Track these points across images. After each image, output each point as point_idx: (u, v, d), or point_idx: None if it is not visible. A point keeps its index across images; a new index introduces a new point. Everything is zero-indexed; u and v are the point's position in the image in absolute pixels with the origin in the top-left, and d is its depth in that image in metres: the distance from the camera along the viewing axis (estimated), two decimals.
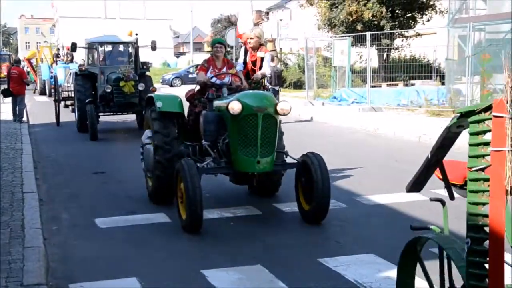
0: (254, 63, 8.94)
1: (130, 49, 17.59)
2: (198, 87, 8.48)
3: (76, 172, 11.10)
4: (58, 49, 38.13)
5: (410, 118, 17.85)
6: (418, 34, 28.05)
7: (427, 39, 27.64)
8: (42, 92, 33.81)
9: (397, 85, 22.96)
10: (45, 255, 5.85)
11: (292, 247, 6.42)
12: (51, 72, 31.58)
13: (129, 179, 10.17)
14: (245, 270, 5.72)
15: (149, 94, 8.61)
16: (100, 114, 16.56)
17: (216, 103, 7.64)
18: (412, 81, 22.82)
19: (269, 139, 7.06)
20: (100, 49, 17.33)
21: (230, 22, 69.49)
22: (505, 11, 18.67)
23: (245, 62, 9.00)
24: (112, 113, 17.19)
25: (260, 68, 8.84)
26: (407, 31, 26.78)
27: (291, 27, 61.82)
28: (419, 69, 22.63)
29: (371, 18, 26.33)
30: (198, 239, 6.68)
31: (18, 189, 8.67)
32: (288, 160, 7.86)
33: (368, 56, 22.23)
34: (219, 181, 8.80)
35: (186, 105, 8.32)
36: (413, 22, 27.95)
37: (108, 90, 16.01)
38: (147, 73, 17.99)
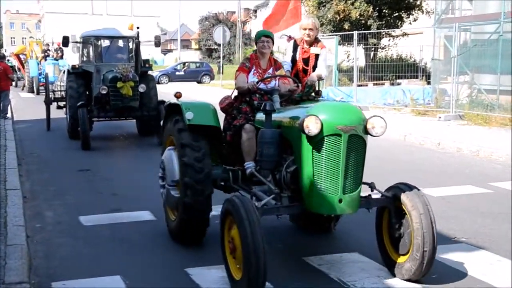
0: (306, 61, 7.08)
1: (130, 45, 15.39)
2: (235, 93, 6.81)
3: (61, 169, 11.04)
4: (48, 45, 37.26)
5: (396, 117, 17.90)
6: (404, 34, 28.18)
7: (413, 39, 27.75)
8: (31, 90, 32.16)
9: (384, 84, 23.06)
10: (28, 253, 5.81)
11: (276, 246, 6.42)
12: (40, 69, 30.56)
13: (114, 176, 10.14)
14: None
15: (172, 101, 6.62)
16: (94, 119, 14.38)
17: (275, 116, 5.84)
18: (398, 81, 22.94)
19: (356, 168, 5.16)
20: (96, 44, 15.09)
21: (218, 20, 69.54)
22: (491, 12, 18.79)
23: (293, 60, 7.19)
24: (107, 119, 14.87)
25: (314, 68, 7.03)
26: (394, 31, 26.92)
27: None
28: (406, 69, 22.75)
29: (358, 17, 26.46)
30: None
31: (1, 186, 8.60)
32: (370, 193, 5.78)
33: (355, 55, 22.28)
34: None
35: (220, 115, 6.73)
36: (400, 22, 28.11)
37: (104, 92, 13.79)
38: (150, 72, 15.87)
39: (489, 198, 8.64)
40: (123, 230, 7.04)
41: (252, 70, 6.67)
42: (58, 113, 18.12)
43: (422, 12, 27.74)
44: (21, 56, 37.83)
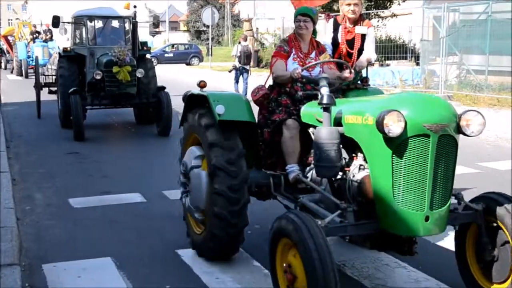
0: (350, 43, 6.04)
1: (126, 26, 14.05)
2: (269, 82, 5.78)
3: (50, 152, 10.99)
4: (35, 26, 36.53)
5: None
6: (393, 15, 28.05)
7: (402, 20, 27.65)
8: (19, 73, 30.41)
9: (373, 65, 22.86)
10: (18, 235, 5.80)
11: (266, 226, 6.42)
12: (28, 51, 29.53)
13: (104, 159, 10.11)
14: None
15: (195, 91, 5.49)
16: (87, 107, 13.15)
17: (334, 110, 4.60)
18: (387, 62, 22.89)
19: (446, 176, 4.12)
20: (89, 24, 13.76)
21: (206, 1, 69.05)
22: None
23: (334, 43, 6.09)
24: (102, 106, 13.67)
25: (360, 51, 6.03)
26: (383, 12, 26.84)
27: (268, 6, 61.61)
28: (395, 50, 22.64)
29: None
30: (173, 219, 6.63)
31: None
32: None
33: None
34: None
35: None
36: (388, 3, 28.00)
37: (98, 77, 12.57)
38: (148, 55, 14.59)
39: (478, 177, 8.69)
40: (113, 212, 7.03)
41: (292, 54, 5.60)
42: (50, 96, 17.23)
43: None
44: (9, 38, 37.09)
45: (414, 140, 3.96)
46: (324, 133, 4.45)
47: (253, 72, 29.38)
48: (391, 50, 22.57)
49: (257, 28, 41.62)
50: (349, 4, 5.98)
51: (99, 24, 14.17)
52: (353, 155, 4.48)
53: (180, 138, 5.91)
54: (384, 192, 4.08)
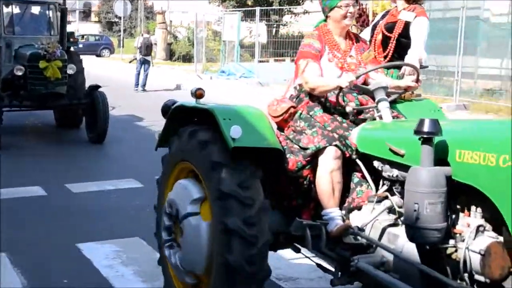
0: (390, 27, 4.77)
1: (51, 13, 11.87)
2: (290, 91, 4.28)
3: None
4: None
5: None
6: (306, 11, 28.59)
7: (314, 16, 28.14)
8: None
9: (284, 60, 23.31)
10: None
11: None
12: None
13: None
14: (122, 242, 5.63)
15: (187, 103, 3.94)
16: (4, 109, 10.44)
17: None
18: None
19: None
20: (5, 10, 11.42)
21: None
22: None
23: (374, 28, 4.93)
24: (24, 108, 11.19)
25: (400, 42, 4.71)
26: (295, 8, 27.36)
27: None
28: None
29: None
30: (75, 213, 6.50)
31: None
32: None
33: (257, 31, 22.43)
34: (98, 150, 8.54)
35: None
36: (301, 0, 28.52)
37: (20, 73, 10.42)
38: (72, 48, 12.35)
39: None
40: (11, 206, 6.76)
41: (326, 54, 4.01)
42: None
43: None
44: None
45: None
46: (427, 177, 2.91)
47: (165, 65, 29.28)
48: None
49: (170, 21, 41.24)
50: None
51: (17, 9, 12.00)
52: (462, 209, 3.00)
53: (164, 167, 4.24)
54: None
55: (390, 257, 3.30)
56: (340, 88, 3.77)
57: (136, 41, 21.30)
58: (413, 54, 4.58)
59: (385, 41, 4.75)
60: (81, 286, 4.74)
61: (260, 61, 22.34)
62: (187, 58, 32.59)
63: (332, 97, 3.93)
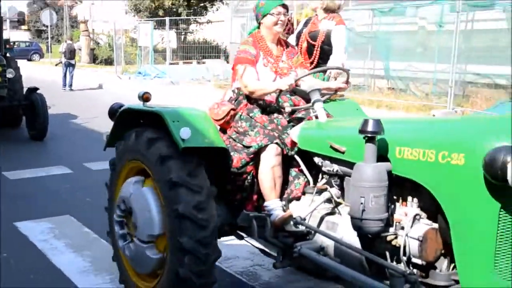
0: (313, 36, 4.58)
1: None
2: (228, 94, 3.96)
3: None
4: None
5: (201, 90, 18.10)
6: (209, 21, 28.56)
7: (216, 25, 28.24)
8: None
9: (191, 63, 23.28)
10: None
11: (97, 199, 6.35)
12: None
13: None
14: (55, 220, 5.56)
15: (134, 106, 3.64)
16: None
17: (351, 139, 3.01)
18: (203, 60, 23.31)
19: None
20: None
21: (46, 4, 64.72)
22: None
23: (298, 37, 4.68)
24: None
25: (323, 49, 4.54)
26: (200, 18, 27.26)
27: (103, 10, 59.31)
28: (210, 50, 23.37)
29: (171, 5, 26.36)
30: (12, 196, 6.33)
31: None
32: None
33: (168, 38, 22.24)
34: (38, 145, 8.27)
35: None
36: (205, 11, 28.47)
37: None
38: (8, 54, 11.11)
39: None
40: None
41: (261, 59, 3.74)
42: None
43: (223, 3, 28.33)
44: None
45: None
46: (371, 173, 2.73)
47: (89, 68, 28.43)
48: (207, 50, 23.16)
49: (93, 29, 39.98)
50: None
51: None
52: (399, 199, 2.85)
53: (114, 164, 3.84)
54: (480, 260, 2.43)
55: (329, 242, 3.16)
56: (280, 91, 3.56)
57: (61, 47, 20.87)
58: (335, 59, 4.48)
59: (309, 49, 4.58)
60: (19, 259, 4.65)
61: (171, 63, 22.22)
62: (108, 62, 31.68)
63: (268, 99, 3.68)
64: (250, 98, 3.70)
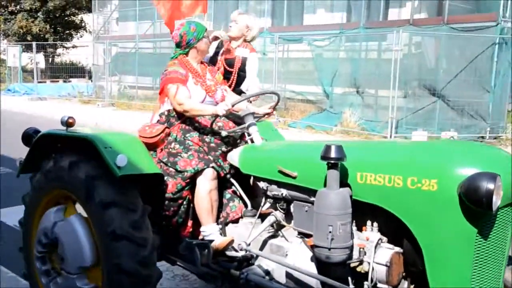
0: (230, 63, 3.65)
1: None
2: (156, 117, 2.83)
3: None
4: None
5: (67, 105, 15.40)
6: (74, 46, 25.25)
7: (81, 50, 25.02)
8: None
9: (59, 81, 20.10)
10: None
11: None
12: None
13: None
14: None
15: (56, 131, 2.53)
16: None
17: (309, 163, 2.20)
18: (70, 79, 20.36)
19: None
20: None
21: None
22: (130, 33, 17.46)
23: (214, 61, 3.66)
24: None
25: (239, 75, 3.64)
26: (66, 43, 23.99)
27: None
28: (75, 71, 20.62)
29: (38, 32, 22.64)
30: None
31: None
32: None
33: (35, 60, 18.89)
34: None
35: None
36: (70, 37, 25.24)
37: None
38: None
39: None
40: None
41: (190, 78, 2.80)
42: None
43: (86, 31, 25.25)
44: None
45: (503, 213, 1.88)
46: (337, 201, 1.97)
47: None
48: (73, 71, 20.51)
49: None
50: (233, 21, 3.67)
51: None
52: (358, 224, 2.12)
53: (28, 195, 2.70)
54: (455, 284, 1.85)
55: (274, 266, 2.33)
56: (216, 115, 2.63)
57: None
58: (252, 83, 3.63)
59: (226, 75, 3.59)
60: None
61: (40, 82, 18.90)
62: None
63: (203, 121, 2.74)
64: (185, 119, 2.73)
